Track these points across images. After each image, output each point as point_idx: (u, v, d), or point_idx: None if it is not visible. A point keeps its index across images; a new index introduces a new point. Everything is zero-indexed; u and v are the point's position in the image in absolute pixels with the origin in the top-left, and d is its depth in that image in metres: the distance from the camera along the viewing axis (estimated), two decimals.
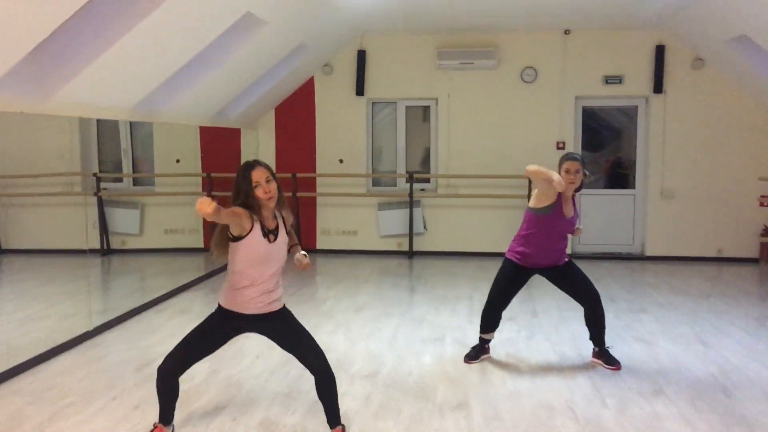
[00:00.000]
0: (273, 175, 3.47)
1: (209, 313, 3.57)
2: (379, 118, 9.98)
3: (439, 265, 8.84)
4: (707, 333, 5.68)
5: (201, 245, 8.50)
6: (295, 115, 9.77)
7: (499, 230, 9.21)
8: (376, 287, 7.56)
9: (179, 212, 8.87)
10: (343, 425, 3.61)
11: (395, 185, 9.96)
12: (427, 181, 9.82)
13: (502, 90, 9.35)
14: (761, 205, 9.03)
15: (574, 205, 4.76)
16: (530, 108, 9.34)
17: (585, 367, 4.84)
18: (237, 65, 7.36)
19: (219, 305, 3.57)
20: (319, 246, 9.84)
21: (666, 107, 9.14)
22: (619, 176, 9.82)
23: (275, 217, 3.53)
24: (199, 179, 9.06)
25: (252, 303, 3.47)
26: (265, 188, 3.40)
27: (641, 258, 9.39)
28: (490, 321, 5.05)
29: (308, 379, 3.92)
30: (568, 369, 4.82)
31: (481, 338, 5.11)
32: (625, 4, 7.76)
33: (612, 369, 4.82)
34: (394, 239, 9.70)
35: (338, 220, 9.81)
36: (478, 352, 5.07)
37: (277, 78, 8.68)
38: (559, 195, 4.60)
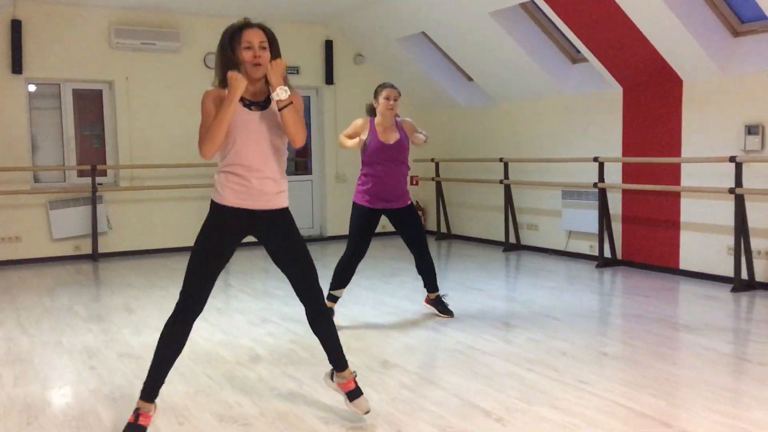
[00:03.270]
0: (272, 43, 3.01)
1: None
2: (41, 102, 8.50)
3: (129, 267, 7.98)
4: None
5: None
6: None
7: (192, 222, 8.75)
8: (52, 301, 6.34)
9: None
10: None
11: (64, 180, 8.62)
12: (105, 174, 8.76)
13: (186, 75, 8.90)
14: (412, 183, 10.46)
15: (400, 130, 5.03)
16: None
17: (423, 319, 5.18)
18: None
19: (211, 202, 3.06)
20: None
21: (336, 98, 9.90)
22: (296, 163, 10.31)
23: (266, 93, 3.07)
24: None
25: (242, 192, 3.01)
26: (256, 52, 2.95)
27: (322, 239, 10.00)
28: (345, 276, 5.01)
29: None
30: (408, 324, 5.09)
31: (330, 296, 5.00)
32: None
33: (445, 317, 5.26)
34: (71, 242, 8.41)
35: None
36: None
37: None
38: (372, 125, 4.96)
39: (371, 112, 5.07)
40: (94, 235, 8.33)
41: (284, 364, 4.18)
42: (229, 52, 2.98)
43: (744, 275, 6.07)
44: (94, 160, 8.65)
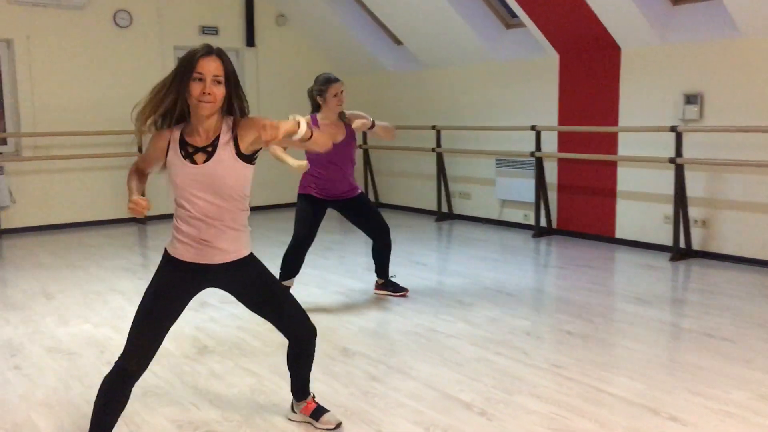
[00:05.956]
0: (230, 75, 2.53)
1: None
2: None
3: (38, 244, 7.32)
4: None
5: None
6: None
7: (106, 194, 8.14)
8: None
9: None
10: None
11: None
12: (4, 142, 7.96)
13: (94, 34, 8.15)
14: None
15: (346, 125, 4.70)
16: (127, 56, 8.39)
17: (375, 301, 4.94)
18: None
19: (165, 249, 2.66)
20: None
21: (258, 61, 9.37)
22: None
23: (215, 131, 2.57)
24: None
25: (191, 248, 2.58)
26: (206, 86, 2.46)
27: None
28: (293, 265, 4.71)
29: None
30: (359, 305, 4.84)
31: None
32: None
33: (400, 296, 5.03)
34: None
35: None
36: None
37: None
38: (315, 122, 4.58)
39: (315, 108, 4.70)
40: None
41: (236, 356, 3.85)
42: (177, 83, 2.49)
43: (682, 244, 6.15)
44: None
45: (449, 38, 7.99)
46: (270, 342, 4.05)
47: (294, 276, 4.80)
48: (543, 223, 7.40)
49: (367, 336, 4.24)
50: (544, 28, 7.03)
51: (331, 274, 5.76)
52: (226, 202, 2.56)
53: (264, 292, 2.78)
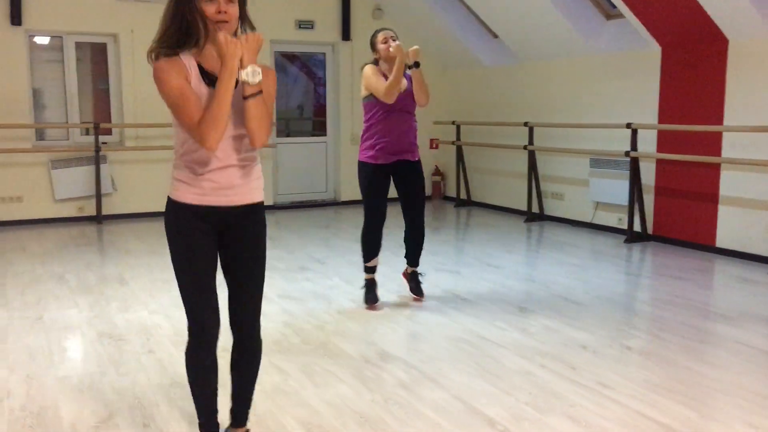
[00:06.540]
0: None
1: None
2: (43, 55, 8.12)
3: (133, 230, 7.64)
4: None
5: None
6: None
7: None
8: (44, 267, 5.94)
9: None
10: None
11: (68, 138, 8.29)
12: (109, 132, 8.40)
13: None
14: (432, 147, 9.99)
15: (406, 76, 4.58)
16: None
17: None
18: None
19: (168, 199, 2.47)
20: None
21: (353, 54, 9.36)
22: (314, 124, 9.88)
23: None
24: None
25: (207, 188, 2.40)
26: (220, 5, 2.28)
27: (336, 203, 9.58)
28: (371, 244, 4.61)
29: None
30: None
31: (367, 269, 4.64)
32: None
33: (415, 298, 4.82)
34: (74, 203, 8.10)
35: None
36: (374, 290, 4.66)
37: None
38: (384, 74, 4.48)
39: (375, 63, 4.62)
40: (98, 196, 8.01)
41: (272, 352, 3.78)
42: (183, 3, 2.31)
43: None
44: (98, 118, 8.30)
45: (546, 31, 7.63)
46: (310, 341, 3.99)
47: (376, 255, 4.64)
48: (637, 227, 6.91)
49: (411, 340, 4.09)
50: (645, 20, 6.54)
51: (395, 272, 5.56)
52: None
53: (251, 263, 2.53)
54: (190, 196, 2.41)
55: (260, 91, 2.32)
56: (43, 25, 7.83)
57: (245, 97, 2.31)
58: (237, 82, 2.32)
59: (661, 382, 3.37)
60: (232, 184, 2.42)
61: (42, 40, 8.09)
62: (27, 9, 7.66)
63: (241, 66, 2.28)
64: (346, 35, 9.22)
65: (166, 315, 4.47)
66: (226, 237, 2.50)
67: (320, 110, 9.83)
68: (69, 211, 8.08)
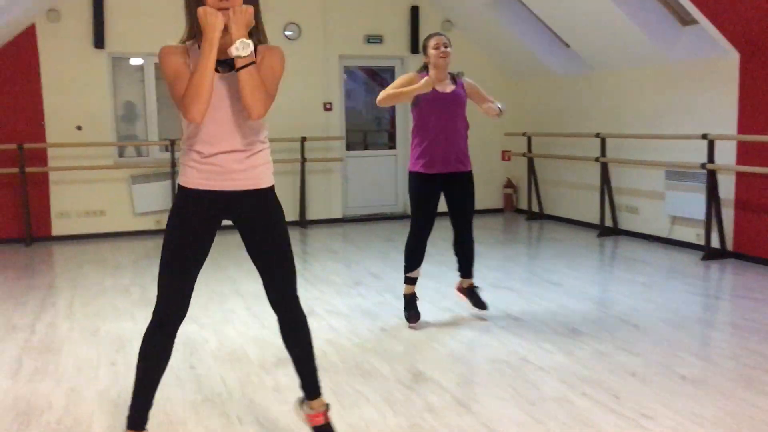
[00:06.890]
0: None
1: None
2: (124, 76, 8.52)
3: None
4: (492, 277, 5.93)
5: None
6: (13, 72, 7.82)
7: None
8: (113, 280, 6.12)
9: None
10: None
11: (147, 155, 8.65)
12: None
13: None
14: (504, 159, 9.80)
15: (456, 83, 4.52)
16: (296, 67, 8.77)
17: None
18: None
19: (177, 185, 2.60)
20: (55, 232, 8.10)
21: None
22: (389, 135, 9.92)
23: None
24: None
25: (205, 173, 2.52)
26: None
27: (406, 217, 9.53)
28: (415, 255, 4.56)
29: None
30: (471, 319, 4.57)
31: (407, 279, 4.60)
32: None
33: (476, 311, 4.70)
34: (152, 217, 8.43)
35: (79, 199, 8.17)
36: (415, 305, 4.61)
37: None
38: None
39: (424, 68, 4.55)
40: None
41: None
42: None
43: None
44: (175, 135, 8.61)
45: (618, 39, 7.34)
46: (347, 359, 3.95)
47: (418, 267, 4.60)
48: (715, 243, 6.52)
49: (450, 360, 3.98)
50: (721, 25, 6.18)
51: (450, 287, 5.43)
52: None
53: (272, 242, 2.63)
54: (194, 180, 2.52)
55: (252, 62, 2.40)
56: (124, 47, 8.21)
57: (237, 69, 2.39)
58: (233, 65, 2.42)
59: (709, 415, 3.14)
60: (235, 168, 2.50)
61: (125, 62, 8.48)
62: (109, 33, 8.05)
63: (231, 41, 2.38)
64: (414, 48, 9.19)
65: (215, 330, 4.54)
66: (241, 227, 2.61)
67: (394, 122, 9.85)
68: (147, 224, 8.41)
